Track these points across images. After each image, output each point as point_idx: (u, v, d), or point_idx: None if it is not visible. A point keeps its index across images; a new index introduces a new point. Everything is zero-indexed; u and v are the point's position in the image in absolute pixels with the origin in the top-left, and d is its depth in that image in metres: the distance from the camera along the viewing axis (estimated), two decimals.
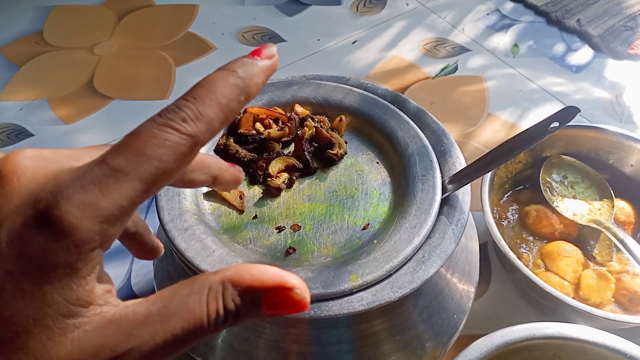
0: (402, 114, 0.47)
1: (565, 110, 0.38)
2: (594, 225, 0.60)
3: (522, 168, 0.66)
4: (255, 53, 0.23)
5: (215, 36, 0.96)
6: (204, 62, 0.92)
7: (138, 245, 0.32)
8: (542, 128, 0.39)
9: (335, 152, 0.45)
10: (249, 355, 0.42)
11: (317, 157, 0.46)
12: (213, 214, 0.42)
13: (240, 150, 0.45)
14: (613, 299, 0.57)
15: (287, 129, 0.46)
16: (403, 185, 0.43)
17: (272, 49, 0.24)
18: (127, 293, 0.62)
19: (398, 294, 0.36)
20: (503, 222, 0.63)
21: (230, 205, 0.43)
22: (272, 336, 0.41)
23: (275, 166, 0.44)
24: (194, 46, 0.95)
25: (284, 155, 0.45)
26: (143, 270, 0.64)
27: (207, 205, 0.42)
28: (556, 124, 0.38)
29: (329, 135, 0.46)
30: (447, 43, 0.94)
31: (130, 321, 0.20)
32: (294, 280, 0.21)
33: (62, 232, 0.18)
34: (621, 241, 0.57)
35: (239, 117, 0.47)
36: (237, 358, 0.42)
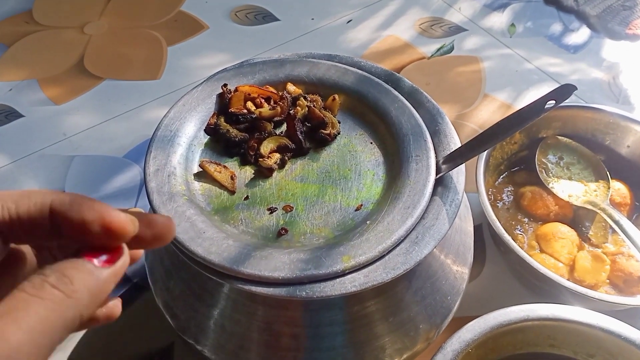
0: (396, 93, 0.46)
1: (561, 88, 0.37)
2: (590, 207, 0.59)
3: (518, 149, 0.65)
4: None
5: (208, 15, 0.95)
6: (196, 41, 0.90)
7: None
8: (538, 106, 0.38)
9: (328, 132, 0.45)
10: (241, 337, 0.41)
11: (310, 137, 0.45)
12: (204, 195, 0.41)
13: (231, 130, 0.44)
14: (608, 281, 0.57)
15: (279, 108, 0.46)
16: (397, 166, 0.42)
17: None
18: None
19: (391, 275, 0.35)
20: (498, 204, 0.63)
21: (221, 186, 0.42)
22: (264, 318, 0.41)
23: (267, 146, 0.43)
24: (186, 25, 0.93)
25: (276, 135, 0.45)
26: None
27: (198, 186, 0.42)
28: (552, 102, 0.37)
29: (322, 115, 0.45)
30: (443, 22, 0.93)
31: None
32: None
33: None
34: (617, 222, 0.57)
35: (229, 96, 0.46)
36: (229, 340, 0.42)
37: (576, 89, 0.37)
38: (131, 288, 0.60)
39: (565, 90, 0.37)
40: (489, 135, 0.41)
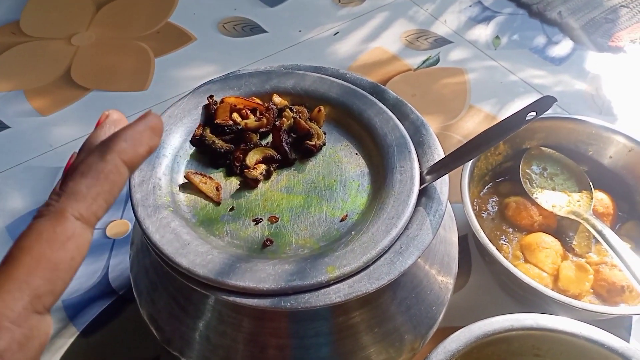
0: (381, 104, 0.47)
1: (542, 100, 0.38)
2: (573, 217, 0.60)
3: (502, 160, 0.66)
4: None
5: (195, 27, 0.95)
6: (184, 52, 0.90)
7: None
8: (519, 118, 0.39)
9: (313, 143, 0.45)
10: (226, 349, 0.41)
11: (296, 148, 0.45)
12: (189, 206, 0.41)
13: (216, 141, 0.44)
14: (591, 290, 0.57)
15: (264, 120, 0.46)
16: (381, 176, 0.42)
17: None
18: (105, 289, 0.61)
19: (375, 285, 0.36)
20: (483, 214, 0.63)
21: (206, 197, 0.42)
22: (249, 329, 0.40)
23: (252, 157, 0.43)
24: (174, 37, 0.93)
25: (262, 146, 0.45)
26: (120, 265, 0.63)
27: (183, 197, 0.42)
28: (533, 113, 0.38)
29: (308, 126, 0.45)
30: (429, 35, 0.94)
31: None
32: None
33: None
34: (600, 232, 0.57)
35: (215, 107, 0.46)
36: (214, 352, 0.42)
37: (556, 100, 0.38)
38: (116, 301, 0.60)
39: (546, 102, 0.38)
40: (471, 146, 0.41)
